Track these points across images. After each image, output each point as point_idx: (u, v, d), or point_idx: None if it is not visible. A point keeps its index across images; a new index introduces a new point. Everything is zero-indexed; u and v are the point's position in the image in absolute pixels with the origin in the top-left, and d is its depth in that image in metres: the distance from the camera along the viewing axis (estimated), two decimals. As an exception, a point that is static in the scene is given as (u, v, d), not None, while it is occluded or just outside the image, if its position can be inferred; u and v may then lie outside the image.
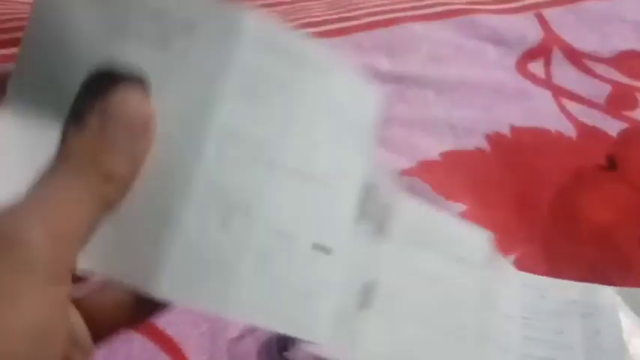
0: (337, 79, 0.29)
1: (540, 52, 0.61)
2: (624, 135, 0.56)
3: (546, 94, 0.58)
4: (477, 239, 0.38)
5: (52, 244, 0.21)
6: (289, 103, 0.27)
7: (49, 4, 0.25)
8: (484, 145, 0.55)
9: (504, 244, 0.49)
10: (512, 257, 0.49)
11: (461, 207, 0.50)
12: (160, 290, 0.24)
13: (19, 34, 0.56)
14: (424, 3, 0.64)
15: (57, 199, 0.22)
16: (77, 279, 0.23)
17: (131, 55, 0.24)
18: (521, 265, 0.48)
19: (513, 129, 0.56)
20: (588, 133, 0.56)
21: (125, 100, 0.23)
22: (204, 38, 0.25)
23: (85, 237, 0.22)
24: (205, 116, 0.25)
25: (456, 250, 0.37)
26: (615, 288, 0.45)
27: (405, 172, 0.52)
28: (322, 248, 0.28)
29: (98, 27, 0.25)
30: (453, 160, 0.54)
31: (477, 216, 0.50)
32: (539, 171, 0.53)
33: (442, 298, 0.36)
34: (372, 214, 0.33)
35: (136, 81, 0.24)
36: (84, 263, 0.23)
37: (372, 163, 0.32)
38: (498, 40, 0.62)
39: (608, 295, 0.45)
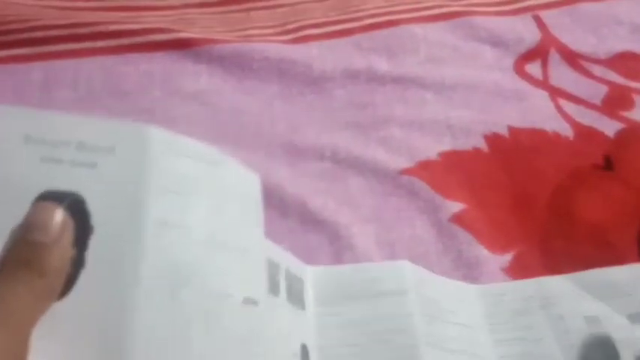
0: (228, 169, 0.36)
1: (537, 53, 0.62)
2: (621, 135, 0.57)
3: (543, 95, 0.59)
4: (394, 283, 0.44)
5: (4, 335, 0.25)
6: (201, 192, 0.34)
7: None
8: (482, 145, 0.55)
9: (501, 244, 0.50)
10: (509, 256, 0.49)
11: (459, 206, 0.51)
12: None
13: (22, 36, 0.57)
14: (423, 5, 0.64)
15: (1, 296, 0.26)
16: None
17: (65, 177, 0.30)
18: (518, 264, 0.49)
19: (511, 129, 0.56)
20: (585, 133, 0.57)
21: (41, 212, 0.29)
22: (125, 154, 0.31)
23: (32, 326, 0.27)
24: (139, 213, 0.31)
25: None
26: (565, 275, 0.48)
27: (403, 172, 0.52)
28: (251, 301, 0.34)
29: (33, 160, 0.30)
30: (452, 160, 0.54)
31: (475, 215, 0.51)
32: (537, 171, 0.54)
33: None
34: (285, 287, 0.40)
35: (58, 196, 0.29)
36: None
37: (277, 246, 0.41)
38: (496, 42, 0.62)
39: (559, 283, 0.47)
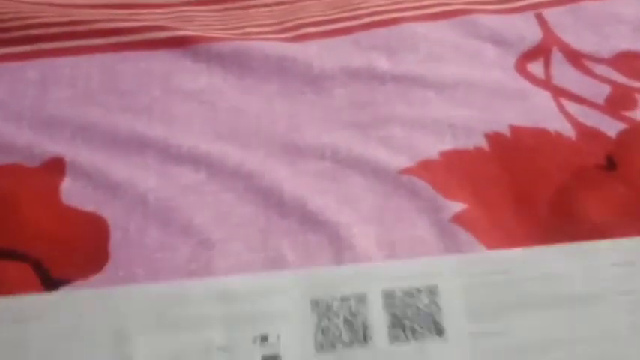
0: None
1: (539, 52, 0.61)
2: (623, 135, 0.56)
3: (545, 94, 0.58)
4: None
5: None
6: None
7: None
8: (484, 144, 0.55)
9: (503, 244, 0.49)
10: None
11: (460, 206, 0.50)
12: None
13: (20, 34, 0.56)
14: (424, 3, 0.64)
15: None
16: None
17: None
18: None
19: (513, 129, 0.56)
20: (587, 133, 0.56)
21: None
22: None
23: None
24: None
25: None
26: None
27: (404, 172, 0.52)
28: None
29: None
30: (453, 160, 0.54)
31: (476, 215, 0.50)
32: (539, 171, 0.53)
33: None
34: None
35: None
36: None
37: None
38: (498, 41, 0.61)
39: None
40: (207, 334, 0.45)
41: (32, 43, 0.56)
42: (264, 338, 0.45)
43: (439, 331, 0.46)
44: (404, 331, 0.46)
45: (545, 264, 0.48)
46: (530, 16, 0.64)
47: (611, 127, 0.57)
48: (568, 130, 0.56)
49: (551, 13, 0.64)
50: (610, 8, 0.65)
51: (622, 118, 0.57)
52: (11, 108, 0.53)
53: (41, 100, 0.54)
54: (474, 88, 0.58)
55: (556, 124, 0.56)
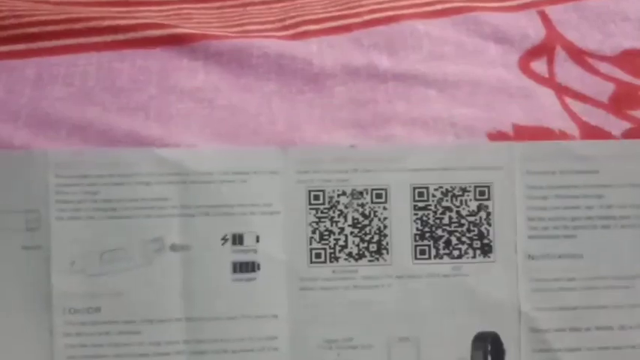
0: None
1: (543, 50, 0.61)
2: (628, 135, 0.56)
3: (549, 93, 0.58)
4: None
5: None
6: None
7: None
8: (486, 143, 0.54)
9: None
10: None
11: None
12: None
13: (17, 31, 0.56)
14: (425, 0, 0.63)
15: None
16: None
17: None
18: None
19: (516, 127, 0.55)
20: (592, 132, 0.56)
21: None
22: None
23: None
24: None
25: None
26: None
27: (405, 171, 0.51)
28: None
29: None
30: (455, 159, 0.53)
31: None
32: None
33: None
34: None
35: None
36: None
37: None
38: (500, 38, 0.61)
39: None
40: (157, 226, 0.36)
41: (28, 41, 0.56)
42: (237, 239, 0.36)
43: (486, 251, 0.36)
44: (436, 245, 0.36)
45: None
46: (533, 13, 0.64)
47: (616, 126, 0.56)
48: (572, 129, 0.55)
49: (554, 11, 0.64)
50: (614, 5, 0.64)
51: (627, 117, 0.57)
52: (7, 107, 0.53)
53: (37, 98, 0.53)
54: (477, 86, 0.57)
55: (560, 122, 0.56)
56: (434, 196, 0.37)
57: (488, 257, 0.36)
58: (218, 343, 0.36)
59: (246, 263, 0.36)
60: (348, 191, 0.36)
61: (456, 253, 0.36)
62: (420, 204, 0.36)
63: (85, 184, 0.38)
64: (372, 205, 0.36)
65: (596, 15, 0.64)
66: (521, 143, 0.41)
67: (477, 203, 0.37)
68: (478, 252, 0.36)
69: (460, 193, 0.37)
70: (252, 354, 0.36)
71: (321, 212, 0.36)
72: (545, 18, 0.63)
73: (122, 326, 0.37)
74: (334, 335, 0.37)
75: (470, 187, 0.37)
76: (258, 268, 0.36)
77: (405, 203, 0.36)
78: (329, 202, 0.36)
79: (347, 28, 0.60)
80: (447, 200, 0.37)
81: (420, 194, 0.37)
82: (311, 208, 0.37)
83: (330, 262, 0.36)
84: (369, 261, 0.36)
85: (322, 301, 0.36)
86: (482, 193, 0.37)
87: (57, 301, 0.36)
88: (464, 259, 0.36)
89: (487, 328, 0.37)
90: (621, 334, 0.38)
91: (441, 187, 0.36)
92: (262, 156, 0.38)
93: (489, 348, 0.36)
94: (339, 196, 0.36)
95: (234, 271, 0.36)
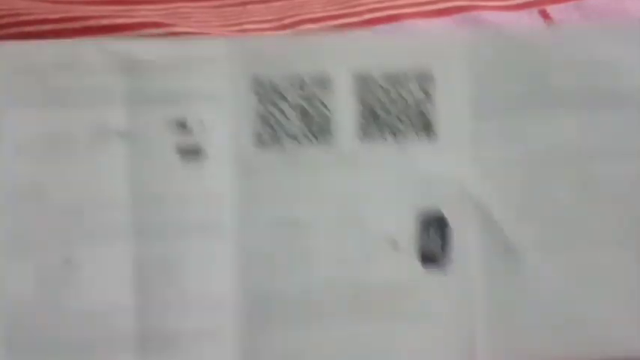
0: None
1: (544, 49, 0.61)
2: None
3: (550, 92, 0.58)
4: None
5: None
6: None
7: None
8: (486, 143, 0.54)
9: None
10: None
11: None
12: None
13: (14, 30, 0.56)
14: (426, -1, 0.63)
15: None
16: None
17: None
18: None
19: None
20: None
21: None
22: None
23: None
24: None
25: None
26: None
27: (404, 171, 0.51)
28: None
29: None
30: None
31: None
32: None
33: None
34: None
35: None
36: None
37: None
38: (501, 37, 0.61)
39: None
40: (102, 114, 0.36)
41: (26, 40, 0.56)
42: (180, 124, 0.36)
43: (429, 130, 0.37)
44: (380, 127, 0.37)
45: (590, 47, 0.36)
46: (534, 12, 0.63)
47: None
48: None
49: (555, 10, 0.63)
50: (616, 4, 0.64)
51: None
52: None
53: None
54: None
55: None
56: (377, 79, 0.38)
57: (433, 137, 0.37)
58: (164, 226, 0.36)
59: (191, 148, 0.37)
60: (292, 76, 0.36)
61: (399, 134, 0.36)
62: (364, 87, 0.37)
63: (33, 72, 0.40)
64: (315, 90, 0.37)
65: (598, 14, 0.64)
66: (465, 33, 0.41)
67: (418, 84, 0.38)
68: (422, 133, 0.37)
69: (403, 76, 0.38)
70: (199, 235, 0.36)
71: (265, 97, 0.37)
72: (546, 17, 0.63)
73: (68, 210, 0.37)
74: (282, 216, 0.38)
75: (412, 70, 0.38)
76: (204, 153, 0.37)
77: (348, 86, 0.37)
78: (273, 88, 0.37)
79: (346, 27, 0.60)
80: (390, 83, 0.38)
81: (363, 78, 0.38)
82: (255, 94, 0.37)
83: (275, 145, 0.37)
84: (314, 143, 0.37)
85: (269, 184, 0.38)
86: (424, 75, 0.38)
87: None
88: (408, 140, 0.37)
89: (433, 208, 0.38)
90: (565, 208, 0.39)
91: (384, 71, 0.37)
92: (207, 44, 0.38)
93: (435, 227, 0.37)
94: (282, 80, 0.36)
95: (179, 155, 0.36)
